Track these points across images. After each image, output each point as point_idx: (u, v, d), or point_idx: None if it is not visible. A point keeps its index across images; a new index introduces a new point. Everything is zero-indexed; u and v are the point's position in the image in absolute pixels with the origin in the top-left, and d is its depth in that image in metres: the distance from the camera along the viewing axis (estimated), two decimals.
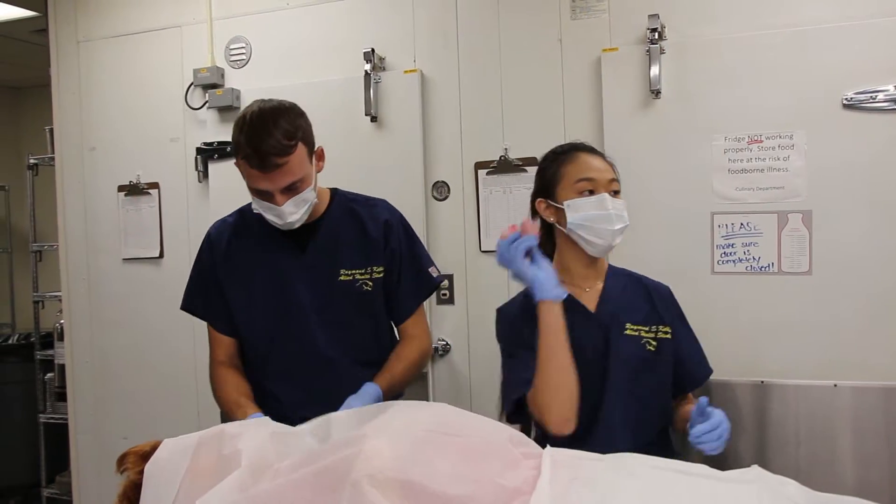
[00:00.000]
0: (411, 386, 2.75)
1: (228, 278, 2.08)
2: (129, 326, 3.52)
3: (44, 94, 3.80)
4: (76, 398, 3.68)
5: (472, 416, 1.40)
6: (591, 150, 1.95)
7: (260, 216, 1.98)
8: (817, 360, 2.52)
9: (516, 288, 2.88)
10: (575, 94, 2.82)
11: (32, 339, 4.56)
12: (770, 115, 2.56)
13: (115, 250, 3.57)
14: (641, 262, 2.20)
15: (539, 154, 2.81)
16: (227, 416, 2.03)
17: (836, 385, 2.44)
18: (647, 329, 1.88)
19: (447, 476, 1.17)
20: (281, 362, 2.05)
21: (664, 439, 1.95)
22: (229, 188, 3.24)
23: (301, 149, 1.89)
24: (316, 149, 2.00)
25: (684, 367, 1.93)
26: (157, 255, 3.49)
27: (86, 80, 3.61)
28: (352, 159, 3.07)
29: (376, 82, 3.02)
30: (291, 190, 1.90)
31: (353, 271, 2.06)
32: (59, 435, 3.94)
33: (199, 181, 3.36)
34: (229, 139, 3.20)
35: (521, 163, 2.88)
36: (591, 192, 1.86)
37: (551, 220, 1.93)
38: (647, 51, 2.65)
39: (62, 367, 3.96)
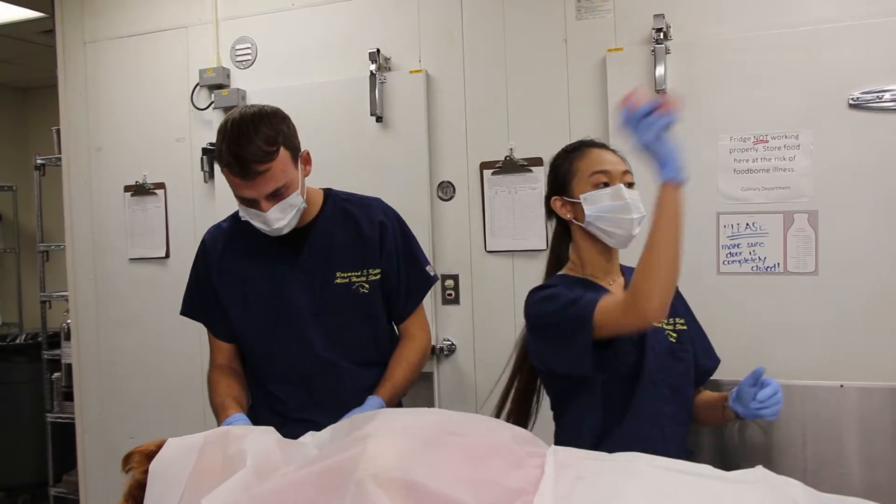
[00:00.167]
0: (416, 386, 2.76)
1: (224, 284, 2.06)
2: (136, 326, 3.53)
3: (51, 94, 3.82)
4: (83, 398, 3.70)
5: (476, 416, 1.40)
6: (601, 145, 1.95)
7: None
8: (823, 360, 2.51)
9: (521, 288, 2.89)
10: (580, 95, 2.82)
11: (40, 339, 4.58)
12: (776, 115, 2.55)
13: (121, 250, 3.59)
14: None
15: (544, 154, 2.86)
16: (217, 421, 2.01)
17: (842, 385, 2.43)
18: (667, 321, 1.90)
19: (451, 476, 1.17)
20: (281, 366, 2.05)
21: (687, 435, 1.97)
22: None
23: (283, 154, 1.86)
24: (301, 153, 1.98)
25: (696, 358, 1.96)
26: (164, 255, 3.50)
27: (92, 81, 3.62)
28: (357, 159, 3.08)
29: (382, 82, 3.02)
30: (276, 196, 1.88)
31: (349, 274, 2.05)
32: (66, 434, 3.96)
33: (205, 181, 3.37)
34: None
35: (526, 163, 2.88)
36: (607, 185, 1.85)
37: (568, 216, 1.92)
38: (653, 51, 2.64)
39: (69, 366, 3.97)
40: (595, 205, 1.84)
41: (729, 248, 2.60)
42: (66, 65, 3.67)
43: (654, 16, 2.64)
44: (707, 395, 2.00)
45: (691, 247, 2.61)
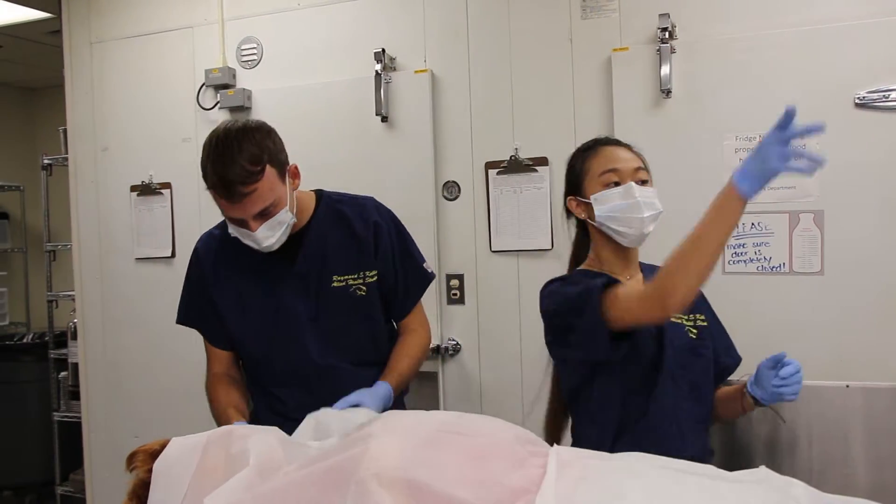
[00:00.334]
0: (420, 386, 2.77)
1: (220, 293, 2.05)
2: (142, 325, 3.54)
3: (58, 94, 3.83)
4: (89, 397, 3.71)
5: (479, 416, 1.40)
6: (614, 143, 1.95)
7: None
8: (829, 360, 2.50)
9: (526, 287, 2.90)
10: (585, 94, 2.82)
11: (46, 338, 4.59)
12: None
13: (127, 250, 3.60)
14: (651, 261, 2.19)
15: (550, 154, 2.87)
16: None
17: (847, 386, 2.42)
18: (686, 317, 1.91)
19: (453, 476, 1.17)
20: (280, 370, 2.04)
21: (706, 435, 1.97)
22: None
23: (270, 172, 1.82)
24: (289, 167, 1.94)
25: (717, 355, 1.96)
26: (170, 254, 3.51)
27: (99, 81, 3.64)
28: (362, 159, 3.08)
29: (387, 82, 3.03)
30: (264, 215, 1.84)
31: (346, 277, 2.03)
32: (72, 433, 3.97)
33: None
34: None
35: (531, 162, 2.88)
36: (617, 184, 1.85)
37: (583, 216, 1.93)
38: (658, 50, 2.64)
39: (75, 365, 3.98)
40: (605, 205, 1.85)
41: (734, 247, 2.60)
42: (73, 65, 3.69)
43: (660, 15, 2.64)
44: (724, 388, 2.01)
45: None
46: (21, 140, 6.29)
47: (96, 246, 3.67)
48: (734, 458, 2.47)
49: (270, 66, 3.30)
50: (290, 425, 1.65)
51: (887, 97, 2.42)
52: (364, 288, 2.05)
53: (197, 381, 3.33)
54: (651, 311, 1.62)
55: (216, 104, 3.33)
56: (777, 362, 1.75)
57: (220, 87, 3.32)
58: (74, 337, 3.95)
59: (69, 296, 4.05)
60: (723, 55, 2.62)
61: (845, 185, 2.48)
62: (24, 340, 4.90)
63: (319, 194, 2.13)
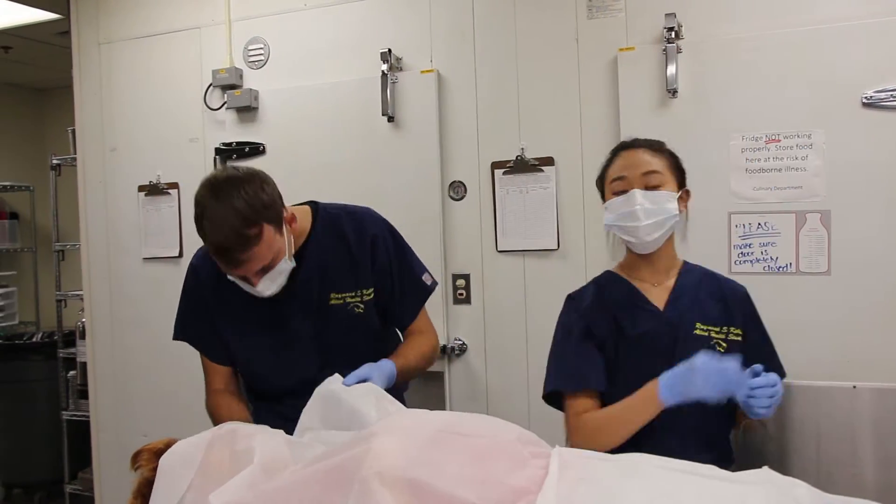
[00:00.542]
0: (426, 385, 2.77)
1: (219, 310, 2.02)
2: (149, 325, 3.55)
3: (67, 95, 3.85)
4: (97, 396, 3.73)
5: (482, 416, 1.40)
6: (632, 145, 1.94)
7: None
8: (836, 361, 2.49)
9: (532, 287, 2.90)
10: (591, 94, 2.82)
11: (55, 338, 4.62)
12: (788, 115, 2.54)
13: (135, 250, 3.61)
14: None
15: (556, 153, 2.87)
16: None
17: (855, 386, 2.41)
18: (717, 329, 1.86)
19: (455, 475, 1.18)
20: (282, 386, 2.02)
21: (723, 444, 1.93)
22: None
23: (267, 230, 1.77)
24: (286, 216, 1.87)
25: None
26: (177, 254, 3.52)
27: (107, 82, 3.65)
28: (369, 159, 3.09)
29: (393, 82, 3.03)
30: (265, 270, 1.82)
31: (344, 294, 2.01)
32: (81, 432, 3.99)
33: None
34: (248, 139, 3.31)
35: (537, 162, 2.88)
36: (624, 191, 1.86)
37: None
38: (664, 50, 2.63)
39: (84, 364, 4.00)
40: (612, 213, 1.88)
41: (741, 247, 2.59)
42: (81, 66, 3.71)
43: (666, 15, 2.63)
44: None
45: (703, 246, 2.64)
46: (31, 140, 6.32)
47: (104, 246, 3.69)
48: (741, 459, 2.47)
49: (277, 67, 3.31)
50: (291, 426, 1.64)
51: (894, 97, 2.41)
52: (362, 306, 2.03)
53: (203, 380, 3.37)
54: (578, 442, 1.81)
55: (223, 104, 3.34)
56: (755, 373, 1.69)
57: (227, 88, 3.33)
58: (83, 336, 3.97)
59: (78, 295, 4.07)
60: (729, 55, 2.61)
61: (852, 184, 2.47)
62: (34, 340, 4.92)
63: (315, 208, 2.08)
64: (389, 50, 3.02)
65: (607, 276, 2.00)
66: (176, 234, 3.52)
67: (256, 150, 3.29)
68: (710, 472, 1.26)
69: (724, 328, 1.87)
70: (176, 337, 2.14)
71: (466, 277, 3.02)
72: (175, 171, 3.52)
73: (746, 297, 1.95)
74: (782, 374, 1.93)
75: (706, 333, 1.85)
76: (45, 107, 6.44)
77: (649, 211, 1.83)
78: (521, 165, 2.90)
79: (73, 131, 3.84)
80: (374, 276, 2.04)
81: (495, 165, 2.95)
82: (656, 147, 1.92)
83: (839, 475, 2.39)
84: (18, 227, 6.07)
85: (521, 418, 2.82)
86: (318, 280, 1.99)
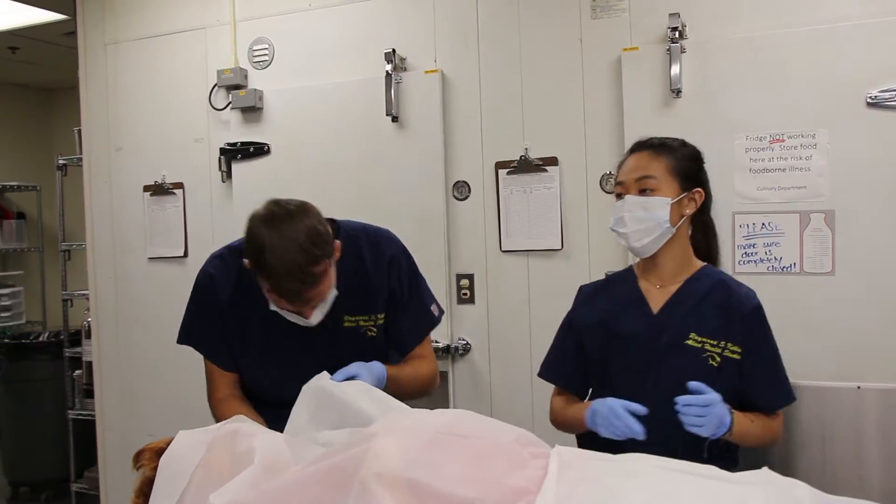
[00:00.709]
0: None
1: (233, 323, 2.01)
2: (154, 325, 3.56)
3: (74, 95, 3.86)
4: (103, 395, 3.74)
5: (482, 418, 1.41)
6: (637, 148, 1.94)
7: None
8: (841, 361, 2.48)
9: (536, 287, 2.90)
10: (595, 94, 2.82)
11: (62, 337, 4.64)
12: (792, 114, 2.53)
13: (140, 249, 3.62)
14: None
15: (559, 153, 2.87)
16: None
17: (859, 387, 2.41)
18: (713, 343, 1.81)
19: (454, 476, 1.18)
20: (290, 395, 1.95)
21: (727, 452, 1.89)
22: (252, 188, 3.29)
23: (328, 265, 1.80)
24: (336, 245, 1.88)
25: (753, 393, 1.84)
26: (182, 254, 3.53)
27: (113, 82, 3.66)
28: (373, 160, 3.09)
29: (397, 83, 3.03)
30: (319, 303, 1.85)
31: (357, 317, 2.01)
32: (87, 431, 4.00)
33: (223, 181, 3.40)
34: (252, 139, 3.30)
35: (541, 162, 2.88)
36: (622, 195, 1.89)
37: None
38: (668, 50, 2.63)
39: (89, 364, 4.02)
40: (612, 217, 1.91)
41: (744, 247, 2.59)
42: (87, 66, 3.72)
43: (670, 15, 2.63)
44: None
45: None
46: (38, 141, 6.35)
47: (110, 245, 3.70)
48: (745, 459, 2.46)
49: (282, 67, 3.31)
50: None
51: None
52: (374, 330, 2.04)
53: None
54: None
55: (228, 104, 3.35)
56: (692, 390, 1.67)
57: (231, 88, 3.33)
58: (88, 336, 3.99)
59: (84, 295, 4.08)
60: (733, 55, 2.60)
61: (856, 184, 2.47)
62: (40, 339, 4.95)
63: (336, 226, 2.04)
64: (394, 50, 3.02)
65: (623, 272, 2.03)
66: (181, 234, 3.53)
67: (261, 150, 3.29)
68: (709, 473, 1.26)
69: (722, 342, 1.81)
70: (182, 341, 2.12)
71: (470, 277, 3.02)
72: (180, 171, 3.53)
73: (756, 314, 1.86)
74: (780, 401, 1.88)
75: (700, 345, 1.81)
76: (52, 107, 6.48)
77: (639, 217, 1.84)
78: (524, 165, 2.90)
79: (79, 131, 3.85)
80: (388, 301, 2.04)
81: (499, 165, 2.95)
82: (662, 149, 1.91)
83: (844, 476, 2.39)
84: (25, 228, 6.10)
85: (524, 418, 2.82)
86: (334, 301, 1.97)
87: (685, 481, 1.21)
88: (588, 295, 2.04)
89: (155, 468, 1.38)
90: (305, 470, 1.26)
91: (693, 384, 1.67)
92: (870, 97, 2.44)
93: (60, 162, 4.51)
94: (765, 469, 1.27)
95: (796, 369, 2.50)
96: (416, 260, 2.16)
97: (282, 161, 3.26)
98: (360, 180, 3.11)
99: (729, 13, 2.63)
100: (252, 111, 3.30)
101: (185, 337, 2.12)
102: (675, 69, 2.62)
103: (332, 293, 1.87)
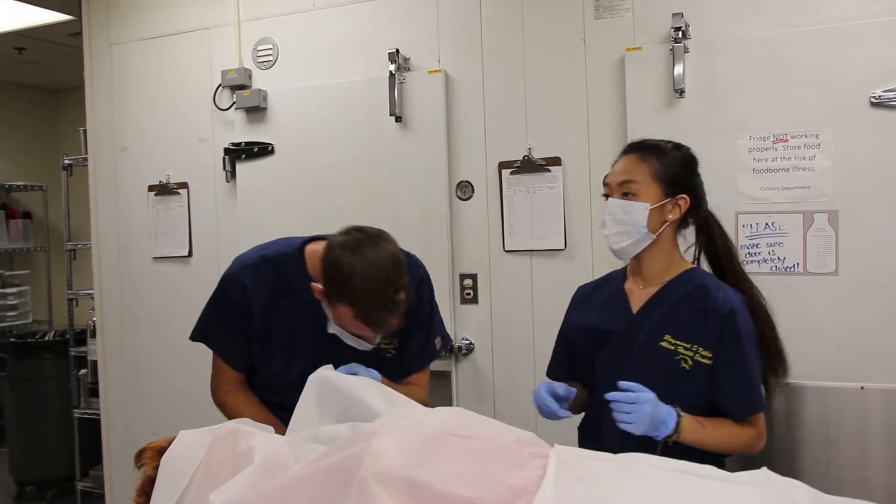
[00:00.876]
0: (434, 386, 2.75)
1: (260, 330, 2.01)
2: (159, 324, 3.57)
3: (80, 95, 3.88)
4: (108, 394, 3.76)
5: (482, 418, 1.41)
6: (626, 151, 1.94)
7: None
8: (844, 362, 2.48)
9: (539, 287, 2.90)
10: (598, 94, 2.82)
11: (67, 336, 4.65)
12: (796, 114, 2.53)
13: (145, 249, 3.64)
14: None
15: (563, 153, 2.87)
16: None
17: (863, 387, 2.40)
18: (686, 346, 1.80)
19: (453, 476, 1.18)
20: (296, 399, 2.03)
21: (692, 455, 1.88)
22: (256, 188, 3.30)
23: (407, 291, 1.83)
24: None
25: (720, 399, 1.81)
26: (187, 253, 3.55)
27: (118, 82, 3.68)
28: (376, 159, 3.10)
29: (401, 82, 3.04)
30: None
31: (382, 339, 2.00)
32: (92, 429, 4.02)
33: (227, 181, 3.41)
34: (257, 139, 3.31)
35: (544, 162, 2.88)
36: (608, 197, 1.90)
37: None
38: (671, 50, 2.63)
39: (95, 363, 4.03)
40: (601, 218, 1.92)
41: (748, 247, 2.58)
42: (93, 66, 3.73)
43: (673, 15, 2.63)
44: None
45: None
46: (44, 140, 6.38)
47: (115, 245, 3.72)
48: (748, 460, 2.46)
49: (286, 67, 3.32)
50: None
51: None
52: (393, 352, 2.06)
53: None
54: None
55: (232, 105, 3.36)
56: (622, 388, 1.69)
57: (236, 88, 3.35)
58: (94, 335, 4.00)
59: (89, 294, 4.10)
60: (736, 54, 2.60)
61: (860, 184, 2.46)
62: (46, 338, 4.96)
63: None
64: (397, 50, 3.02)
65: (617, 272, 2.03)
66: (185, 233, 3.54)
67: (265, 150, 3.30)
68: (707, 473, 1.26)
69: (695, 346, 1.79)
70: (197, 339, 2.12)
71: (474, 277, 3.02)
72: (185, 171, 3.54)
73: (729, 319, 1.80)
74: (747, 410, 1.83)
75: (673, 347, 1.80)
76: (59, 107, 6.50)
77: (618, 220, 1.85)
78: (528, 165, 2.90)
79: (85, 131, 3.87)
80: (405, 326, 1.99)
81: (502, 165, 2.96)
82: (651, 152, 1.89)
83: (848, 476, 2.38)
84: (32, 227, 6.12)
85: (528, 418, 2.81)
86: None
87: (684, 481, 1.21)
88: (583, 295, 2.07)
89: (156, 467, 1.39)
90: (305, 469, 1.27)
91: (623, 383, 1.68)
92: (874, 97, 2.43)
93: (66, 162, 4.53)
94: (763, 469, 1.27)
95: (799, 370, 2.50)
96: (420, 259, 2.16)
97: (286, 161, 3.26)
98: (363, 180, 3.12)
99: (732, 13, 2.63)
100: (256, 111, 3.31)
101: (202, 336, 2.12)
102: (678, 69, 2.61)
103: None
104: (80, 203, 4.20)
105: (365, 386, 1.70)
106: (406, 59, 3.07)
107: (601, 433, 1.82)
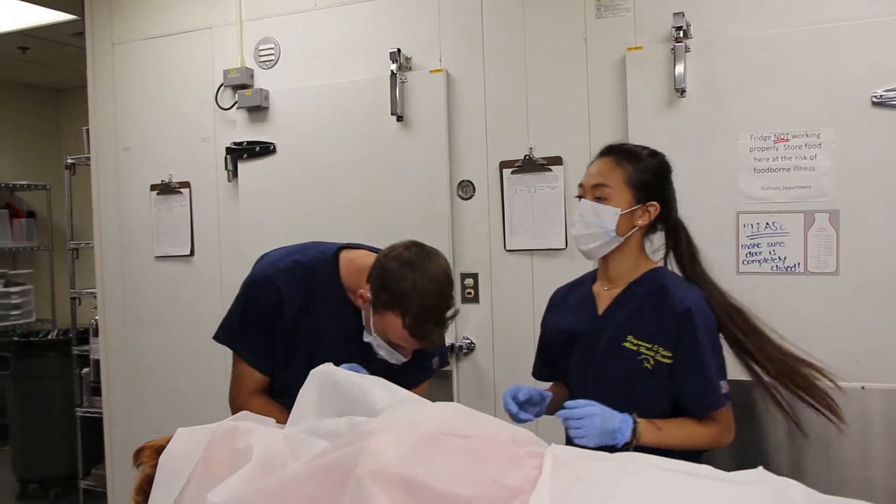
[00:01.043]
0: (435, 385, 2.75)
1: (289, 334, 1.99)
2: (161, 323, 3.58)
3: (83, 95, 3.89)
4: (110, 392, 3.77)
5: (479, 416, 1.41)
6: (602, 154, 1.94)
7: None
8: (845, 362, 2.46)
9: (540, 286, 2.90)
10: (600, 93, 2.82)
11: (70, 335, 4.66)
12: (797, 114, 2.53)
13: (147, 248, 3.65)
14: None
15: (564, 153, 2.87)
16: None
17: (863, 388, 2.40)
18: (648, 346, 1.82)
19: (450, 475, 1.18)
20: None
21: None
22: (258, 187, 3.31)
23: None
24: None
25: (681, 398, 1.82)
26: (188, 252, 3.55)
27: (120, 82, 3.69)
28: (378, 158, 3.10)
29: (402, 82, 3.04)
30: None
31: None
32: (95, 428, 4.03)
33: (229, 180, 3.42)
34: (259, 139, 3.31)
35: (545, 162, 2.88)
36: (581, 198, 1.91)
37: None
38: (672, 49, 2.63)
39: (97, 362, 4.04)
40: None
41: (748, 247, 2.58)
42: (95, 66, 3.74)
43: (674, 14, 2.63)
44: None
45: (710, 246, 2.61)
46: (47, 140, 6.39)
47: (117, 244, 3.73)
48: (749, 460, 2.46)
49: (288, 67, 3.33)
50: None
51: None
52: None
53: (215, 377, 3.39)
54: None
55: (234, 104, 3.37)
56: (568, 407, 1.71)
57: (238, 87, 3.35)
58: (96, 333, 4.01)
59: (92, 293, 4.11)
60: (738, 54, 2.60)
61: (861, 184, 2.46)
62: (49, 337, 4.98)
63: None
64: (399, 50, 3.03)
65: (587, 274, 2.06)
66: (187, 232, 3.55)
67: (267, 149, 3.31)
68: (704, 472, 1.26)
69: (655, 346, 1.81)
70: (222, 341, 2.09)
71: (475, 276, 3.02)
72: (187, 170, 3.55)
73: (685, 317, 1.80)
74: (706, 407, 1.82)
75: (636, 348, 1.82)
76: (62, 107, 6.52)
77: (588, 222, 1.86)
78: (529, 165, 2.90)
79: (88, 131, 3.88)
80: None
81: (504, 165, 2.96)
82: (626, 157, 1.89)
83: (849, 476, 2.38)
84: (35, 226, 6.14)
85: None
86: None
87: (680, 481, 1.21)
88: (559, 297, 2.09)
89: (155, 466, 1.39)
90: (302, 467, 1.27)
91: (568, 402, 1.71)
92: (875, 96, 2.43)
93: (69, 161, 4.54)
94: (759, 468, 1.27)
95: None
96: None
97: (288, 160, 3.27)
98: (365, 179, 3.12)
99: (733, 12, 2.63)
100: (258, 111, 3.32)
101: (228, 338, 2.08)
102: (679, 68, 2.61)
103: None
104: (83, 202, 4.21)
105: (367, 380, 1.71)
106: (407, 59, 3.07)
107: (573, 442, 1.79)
